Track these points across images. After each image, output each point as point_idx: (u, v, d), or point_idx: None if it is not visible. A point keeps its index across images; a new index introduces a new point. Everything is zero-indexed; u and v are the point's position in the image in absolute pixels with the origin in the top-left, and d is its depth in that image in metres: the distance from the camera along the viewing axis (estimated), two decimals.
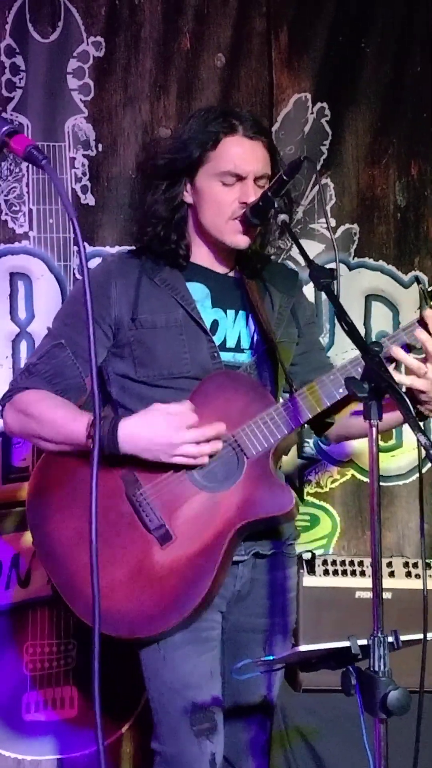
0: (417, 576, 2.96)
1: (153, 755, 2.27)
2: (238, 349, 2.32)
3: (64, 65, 3.09)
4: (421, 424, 1.96)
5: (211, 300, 2.33)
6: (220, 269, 2.37)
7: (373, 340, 3.05)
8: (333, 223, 3.31)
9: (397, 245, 3.40)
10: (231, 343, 2.32)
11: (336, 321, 3.25)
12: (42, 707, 3.02)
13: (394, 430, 3.30)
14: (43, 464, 2.28)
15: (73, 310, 2.34)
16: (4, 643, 3.00)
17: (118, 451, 2.11)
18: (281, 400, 2.25)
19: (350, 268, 3.35)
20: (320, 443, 3.26)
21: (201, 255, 2.35)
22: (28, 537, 2.98)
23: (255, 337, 2.33)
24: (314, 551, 3.06)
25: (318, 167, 3.25)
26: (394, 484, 3.35)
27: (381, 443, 1.86)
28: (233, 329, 2.33)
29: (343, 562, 2.96)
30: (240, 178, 2.24)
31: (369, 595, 2.77)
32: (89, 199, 3.13)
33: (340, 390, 2.16)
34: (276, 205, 2.14)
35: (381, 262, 3.39)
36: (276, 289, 2.40)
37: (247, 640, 2.32)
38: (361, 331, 2.22)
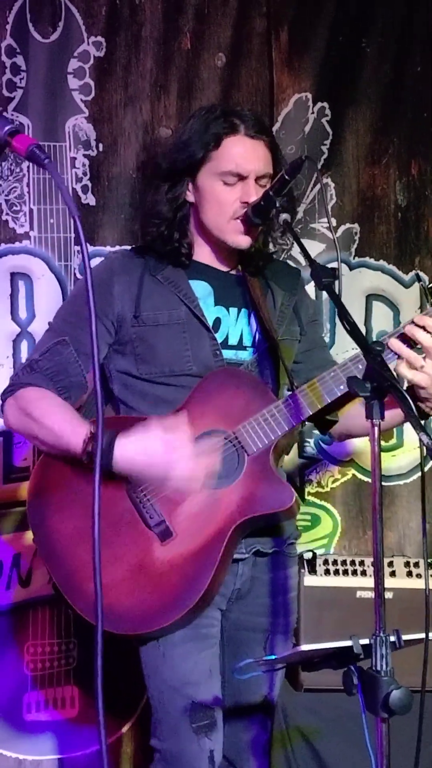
0: (418, 575, 2.96)
1: (152, 753, 2.27)
2: (240, 346, 2.33)
3: (65, 65, 3.09)
4: (422, 422, 1.96)
5: (213, 298, 2.34)
6: (223, 267, 2.37)
7: (374, 339, 3.05)
8: (333, 222, 3.31)
9: (398, 245, 3.40)
10: (233, 341, 2.32)
11: (336, 320, 3.26)
12: (43, 707, 3.02)
13: (395, 430, 3.30)
14: (43, 463, 2.28)
15: (76, 306, 2.34)
16: (5, 643, 3.00)
17: (111, 469, 2.10)
18: (282, 397, 2.26)
19: (351, 267, 3.35)
20: (321, 442, 3.26)
21: (203, 253, 2.35)
22: (29, 536, 2.98)
23: (257, 335, 2.34)
24: (315, 551, 3.06)
25: (319, 167, 3.25)
26: (395, 483, 3.35)
27: (382, 443, 1.86)
28: (235, 327, 2.33)
29: (344, 562, 2.96)
30: (241, 177, 2.24)
31: (370, 594, 2.79)
32: (90, 199, 3.13)
33: (341, 387, 2.16)
34: (278, 205, 2.14)
35: (382, 262, 3.39)
36: (278, 287, 2.40)
37: (247, 639, 2.32)
38: (362, 330, 2.22)
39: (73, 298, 2.47)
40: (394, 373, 1.91)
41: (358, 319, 3.31)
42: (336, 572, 2.94)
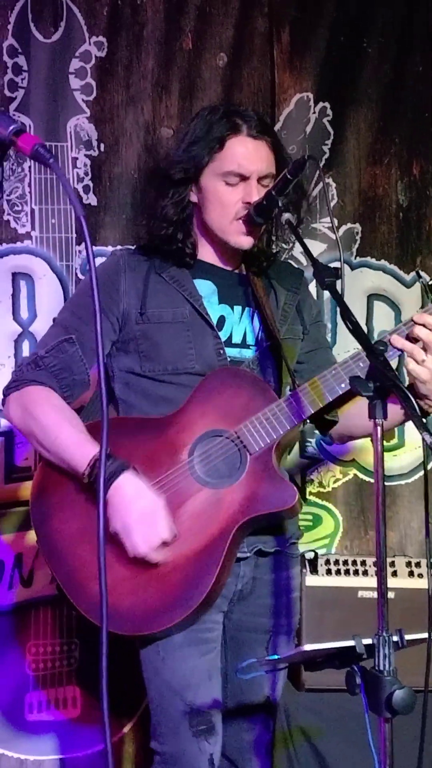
0: (420, 575, 2.96)
1: (153, 754, 2.27)
2: (243, 344, 2.33)
3: (67, 65, 3.10)
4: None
5: (217, 296, 2.34)
6: (227, 266, 2.37)
7: (376, 339, 3.05)
8: (335, 222, 3.31)
9: (399, 245, 3.41)
10: (237, 339, 2.32)
11: (338, 320, 3.26)
12: (45, 707, 3.02)
13: (396, 430, 3.30)
14: (46, 463, 2.28)
15: (82, 301, 2.34)
16: (7, 643, 3.00)
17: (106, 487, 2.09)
18: (283, 396, 2.26)
19: (352, 267, 3.35)
20: (322, 442, 3.26)
21: (207, 253, 2.35)
22: (30, 536, 2.98)
23: (260, 334, 2.34)
24: (317, 551, 3.06)
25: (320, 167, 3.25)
26: (396, 483, 3.35)
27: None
28: (239, 325, 2.34)
29: (345, 562, 2.96)
30: (244, 177, 2.23)
31: (371, 594, 2.80)
32: (91, 199, 3.13)
33: (342, 385, 2.16)
34: (280, 204, 2.14)
35: (383, 262, 3.39)
36: (281, 287, 2.41)
37: (249, 639, 2.32)
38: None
39: (81, 292, 2.47)
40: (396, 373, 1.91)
41: (360, 319, 3.28)
42: (338, 572, 2.94)
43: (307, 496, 3.27)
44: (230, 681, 2.29)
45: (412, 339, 2.12)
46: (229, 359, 2.28)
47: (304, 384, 2.20)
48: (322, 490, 3.33)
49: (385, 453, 1.74)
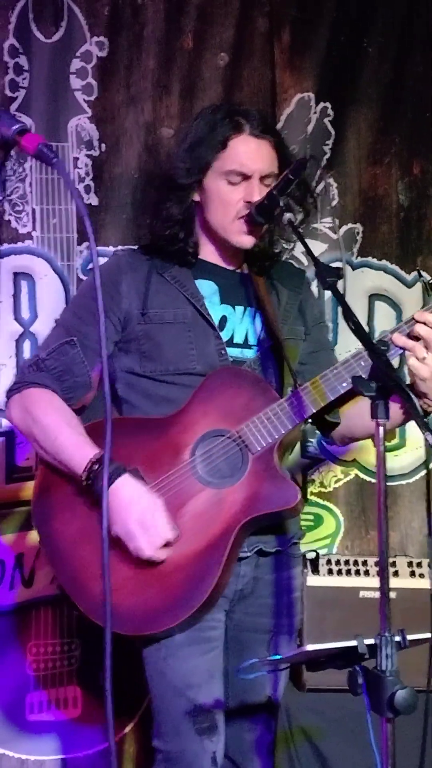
0: (421, 575, 2.96)
1: (154, 754, 2.27)
2: (245, 345, 2.33)
3: (68, 65, 3.10)
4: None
5: (219, 296, 2.34)
6: (228, 266, 2.37)
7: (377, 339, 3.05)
8: (336, 222, 3.31)
9: (400, 245, 3.40)
10: (239, 339, 2.32)
11: (339, 320, 3.26)
12: (45, 707, 3.02)
13: (397, 430, 3.30)
14: (48, 463, 2.28)
15: (84, 302, 2.34)
16: (8, 643, 3.00)
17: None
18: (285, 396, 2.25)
19: (353, 267, 3.35)
20: (324, 442, 3.26)
21: (209, 252, 2.35)
22: (31, 537, 2.98)
23: (261, 334, 2.34)
24: (318, 551, 3.06)
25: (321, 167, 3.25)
26: (398, 483, 3.35)
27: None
28: (241, 325, 2.34)
29: (347, 562, 2.96)
30: (245, 177, 2.23)
31: (373, 594, 2.80)
32: (92, 199, 3.13)
33: (344, 384, 2.16)
34: (281, 204, 2.14)
35: (384, 262, 3.38)
36: (282, 287, 2.41)
37: (251, 640, 2.32)
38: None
39: (83, 293, 2.47)
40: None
41: (361, 319, 3.28)
42: (339, 572, 2.94)
43: (308, 496, 3.27)
44: (232, 681, 2.29)
45: (413, 337, 2.12)
46: (230, 359, 2.28)
47: (306, 383, 2.20)
48: (323, 489, 3.33)
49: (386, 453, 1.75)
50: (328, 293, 3.06)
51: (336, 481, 3.34)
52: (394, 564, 2.96)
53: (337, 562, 2.96)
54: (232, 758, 2.34)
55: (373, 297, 3.37)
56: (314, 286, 2.69)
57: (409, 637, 1.74)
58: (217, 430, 2.19)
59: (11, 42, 3.03)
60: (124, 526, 2.09)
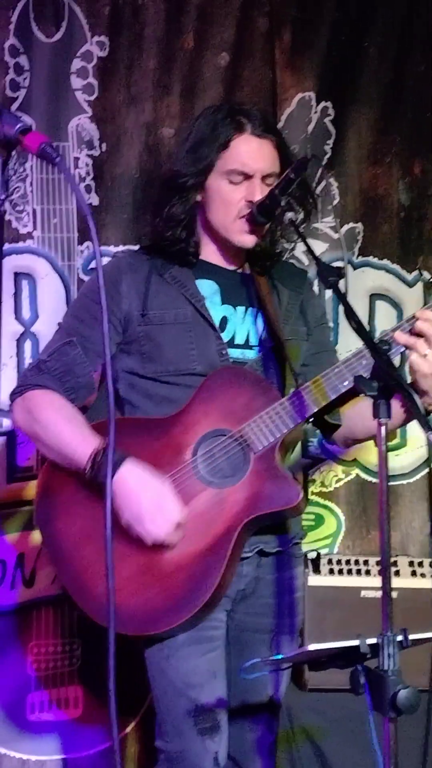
0: (422, 575, 2.96)
1: (156, 753, 2.27)
2: (246, 345, 2.32)
3: (68, 65, 3.10)
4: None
5: (220, 296, 2.34)
6: (230, 266, 2.37)
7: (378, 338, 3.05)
8: (338, 222, 3.31)
9: (401, 244, 3.40)
10: (240, 340, 2.32)
11: (339, 320, 3.26)
12: (47, 707, 3.02)
13: (398, 430, 3.30)
14: (50, 463, 2.28)
15: (84, 305, 2.34)
16: (9, 643, 3.00)
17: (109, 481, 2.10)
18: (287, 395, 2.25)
19: (354, 267, 3.35)
20: (325, 442, 3.25)
21: (210, 252, 2.35)
22: (32, 536, 2.99)
23: (263, 334, 2.33)
24: (319, 551, 3.06)
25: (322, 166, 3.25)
26: (399, 483, 3.35)
27: None
28: (242, 326, 2.33)
29: (348, 562, 2.96)
30: (247, 176, 2.23)
31: (374, 594, 2.80)
32: (93, 199, 3.13)
33: (345, 383, 2.16)
34: (283, 204, 2.14)
35: (385, 261, 3.38)
36: (283, 287, 2.40)
37: (252, 640, 2.32)
38: None
39: (83, 295, 2.47)
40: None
41: (362, 319, 3.29)
42: (340, 572, 2.94)
43: (309, 496, 3.27)
44: (233, 681, 2.29)
45: (415, 335, 2.12)
46: (231, 360, 2.28)
47: (307, 383, 2.20)
48: (324, 489, 3.33)
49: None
50: (328, 292, 3.06)
51: (337, 481, 3.34)
52: (395, 564, 2.96)
53: (338, 562, 2.96)
54: (233, 758, 2.33)
55: (374, 297, 3.37)
56: (315, 286, 2.68)
57: (411, 636, 1.74)
58: (218, 430, 2.19)
59: (12, 42, 3.04)
60: (132, 513, 2.09)
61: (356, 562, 2.96)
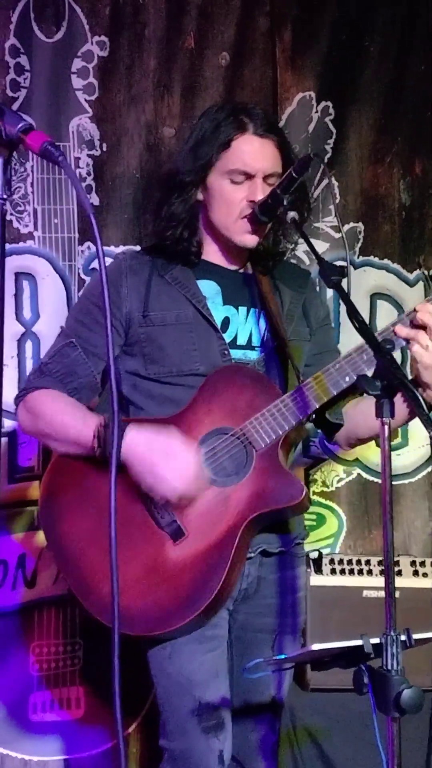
0: (424, 575, 2.96)
1: (160, 753, 2.27)
2: (249, 346, 2.32)
3: (69, 65, 3.10)
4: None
5: (222, 297, 2.33)
6: (231, 266, 2.37)
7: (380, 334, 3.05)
8: (339, 221, 3.32)
9: (402, 244, 3.41)
10: (242, 340, 2.32)
11: (341, 319, 3.26)
12: (49, 707, 3.02)
13: (399, 429, 3.30)
14: (54, 464, 2.29)
15: (85, 307, 2.34)
16: (12, 644, 3.00)
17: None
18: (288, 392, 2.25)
19: (355, 266, 3.35)
20: (326, 441, 3.25)
21: (212, 252, 2.35)
22: (34, 537, 2.98)
23: (266, 335, 2.33)
24: (321, 550, 3.06)
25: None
26: (400, 482, 3.35)
27: None
28: (245, 326, 2.33)
29: (350, 561, 2.96)
30: (249, 176, 2.23)
31: (376, 594, 2.80)
32: (93, 199, 3.13)
33: (346, 378, 2.16)
34: (285, 203, 2.14)
35: (386, 261, 3.39)
36: (285, 287, 2.40)
37: (255, 639, 2.32)
38: None
39: (84, 298, 2.48)
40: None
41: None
42: (342, 572, 2.94)
43: (311, 496, 3.27)
44: (236, 681, 2.29)
45: (416, 327, 2.12)
46: (233, 361, 2.28)
47: (309, 379, 2.20)
48: (325, 489, 3.33)
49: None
50: (329, 292, 3.06)
51: (338, 481, 3.33)
52: (397, 563, 2.96)
53: (340, 562, 2.96)
54: (236, 758, 2.33)
55: (375, 296, 3.38)
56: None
57: (414, 636, 1.73)
58: (220, 429, 2.19)
59: (12, 42, 3.04)
60: (150, 475, 2.10)
61: (358, 562, 2.96)
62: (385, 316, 3.36)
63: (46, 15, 3.07)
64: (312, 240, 3.19)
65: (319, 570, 2.93)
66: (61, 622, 3.02)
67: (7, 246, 3.02)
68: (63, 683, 3.03)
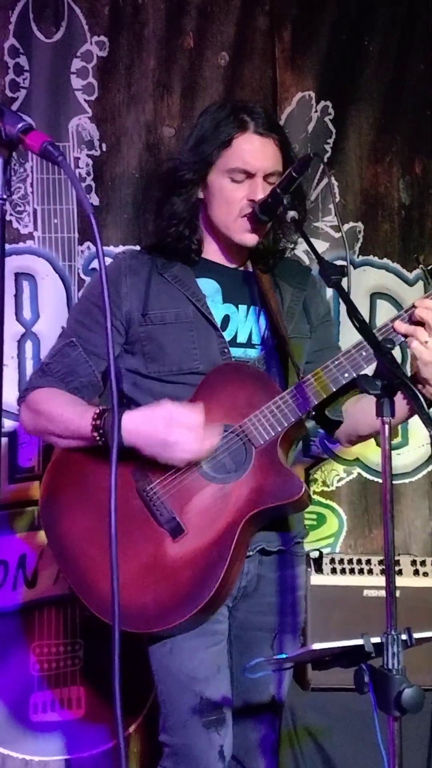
0: (425, 574, 2.95)
1: (161, 749, 2.27)
2: (249, 344, 2.32)
3: (68, 65, 3.10)
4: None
5: (222, 295, 2.33)
6: (231, 264, 2.37)
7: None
8: (339, 220, 3.32)
9: (402, 243, 3.41)
10: (242, 339, 2.32)
11: (341, 318, 3.26)
12: (50, 707, 3.02)
13: (399, 428, 3.30)
14: (54, 464, 2.29)
15: (85, 307, 2.35)
16: (12, 644, 3.00)
17: (122, 444, 2.10)
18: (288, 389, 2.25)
19: (355, 266, 3.35)
20: (326, 441, 3.25)
21: (212, 250, 2.35)
22: (34, 537, 2.98)
23: (266, 333, 2.33)
24: (321, 550, 3.06)
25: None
26: (401, 482, 3.35)
27: None
28: (245, 324, 2.33)
29: (350, 561, 2.96)
30: (249, 175, 2.23)
31: (377, 593, 2.80)
32: (93, 199, 3.13)
33: (346, 375, 2.16)
34: (285, 202, 2.14)
35: (386, 260, 3.39)
36: (286, 284, 2.40)
37: (255, 638, 2.32)
38: None
39: (84, 298, 2.48)
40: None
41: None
42: (342, 571, 2.94)
43: (311, 495, 3.26)
44: (236, 680, 2.29)
45: (414, 323, 2.12)
46: (233, 359, 2.28)
47: (308, 376, 2.20)
48: (326, 488, 3.33)
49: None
50: (329, 291, 3.06)
51: (339, 480, 3.34)
52: (397, 563, 2.96)
53: (341, 561, 2.96)
54: (236, 757, 2.33)
55: (375, 296, 3.38)
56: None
57: (415, 635, 1.73)
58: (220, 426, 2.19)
59: (12, 42, 3.04)
60: (157, 444, 2.10)
61: (358, 562, 2.96)
62: (384, 316, 3.35)
63: (46, 15, 3.07)
64: (312, 239, 3.20)
65: (319, 569, 2.93)
66: (62, 622, 3.02)
67: (7, 246, 3.02)
68: (64, 683, 3.03)
